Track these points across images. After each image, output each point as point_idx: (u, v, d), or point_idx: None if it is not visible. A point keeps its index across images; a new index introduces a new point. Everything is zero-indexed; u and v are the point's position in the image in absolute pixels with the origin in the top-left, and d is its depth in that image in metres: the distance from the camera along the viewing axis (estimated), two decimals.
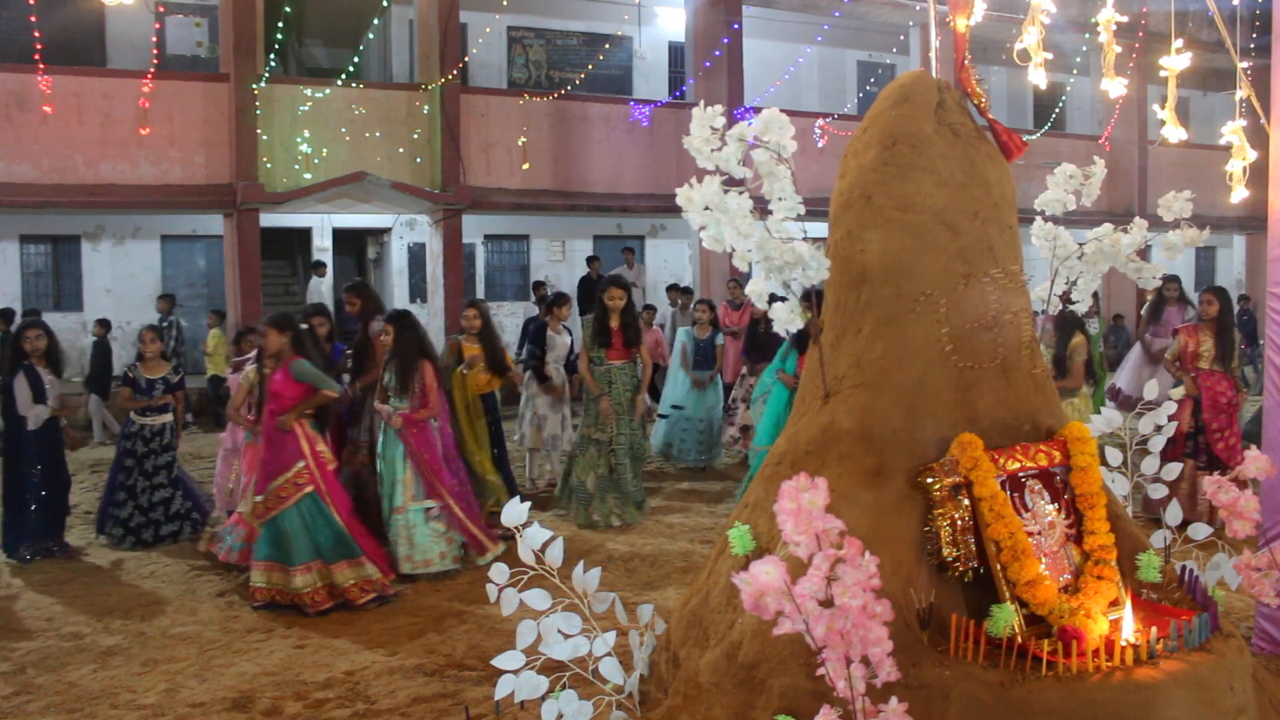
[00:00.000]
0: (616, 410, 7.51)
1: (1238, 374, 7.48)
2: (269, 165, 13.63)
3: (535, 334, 8.93)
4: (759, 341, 9.23)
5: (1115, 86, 5.85)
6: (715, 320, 9.89)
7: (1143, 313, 11.89)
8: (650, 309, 12.75)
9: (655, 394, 12.90)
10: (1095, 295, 4.60)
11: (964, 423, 3.44)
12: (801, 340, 7.61)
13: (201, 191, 13.58)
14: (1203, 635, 3.14)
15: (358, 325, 7.56)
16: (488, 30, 16.52)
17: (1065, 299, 4.09)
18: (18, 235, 15.24)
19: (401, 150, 14.40)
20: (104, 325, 12.66)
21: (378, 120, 14.28)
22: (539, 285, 15.62)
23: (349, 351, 7.34)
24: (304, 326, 6.28)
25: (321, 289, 15.71)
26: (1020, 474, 3.40)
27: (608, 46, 17.14)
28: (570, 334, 8.97)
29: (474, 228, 16.60)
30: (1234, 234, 22.17)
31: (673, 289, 14.03)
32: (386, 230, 17.50)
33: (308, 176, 13.71)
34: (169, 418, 7.23)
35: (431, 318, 14.89)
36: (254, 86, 13.44)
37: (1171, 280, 11.01)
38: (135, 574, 6.58)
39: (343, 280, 17.94)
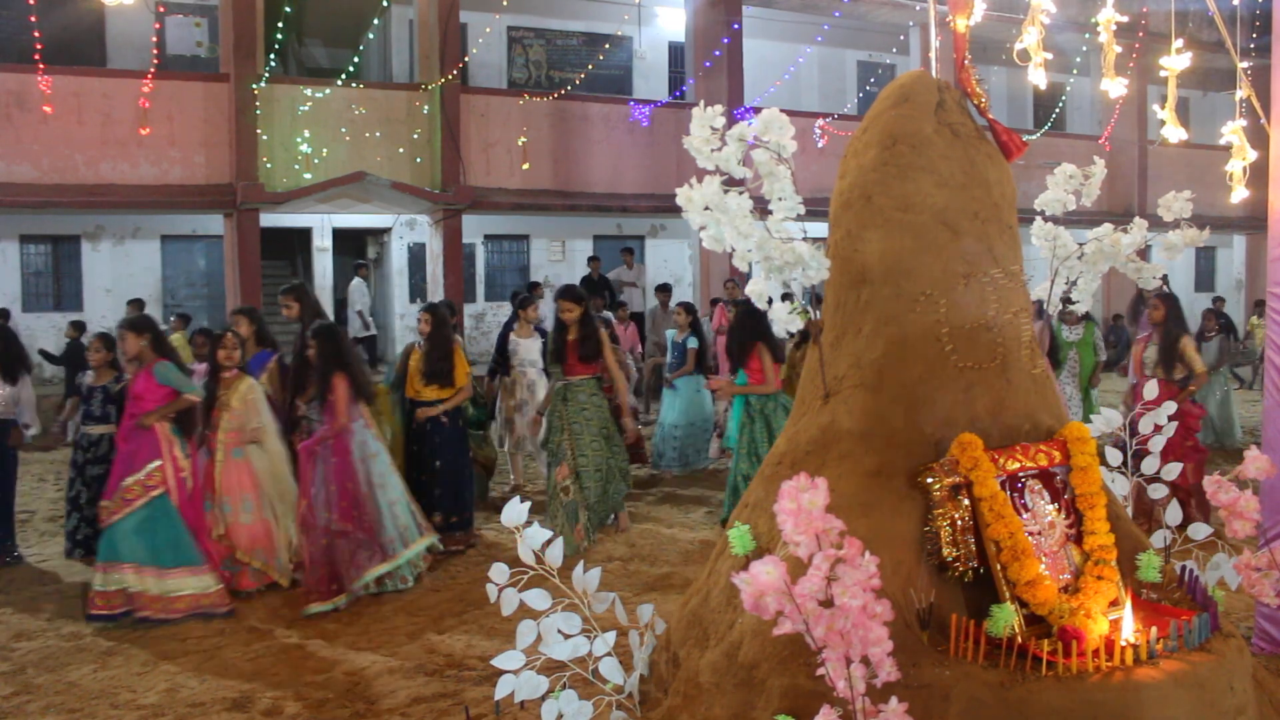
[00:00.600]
0: (574, 429, 6.93)
1: (1219, 374, 7.34)
2: (269, 165, 13.63)
3: (499, 339, 8.66)
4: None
5: (1115, 86, 5.85)
6: (694, 323, 9.62)
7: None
8: (622, 305, 12.54)
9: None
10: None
11: (964, 423, 3.44)
12: (739, 346, 7.23)
13: (201, 191, 13.58)
14: (1203, 635, 3.13)
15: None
16: (488, 30, 16.52)
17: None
18: (18, 235, 15.24)
19: (401, 150, 14.41)
20: (77, 327, 12.55)
21: (378, 120, 14.29)
22: (535, 286, 15.49)
23: (273, 365, 6.90)
24: (163, 328, 6.14)
25: (364, 289, 15.76)
26: (1020, 474, 3.40)
27: (608, 46, 17.15)
28: (543, 336, 8.62)
29: (474, 228, 16.61)
30: (1234, 234, 22.18)
31: (660, 289, 14.04)
32: (386, 230, 17.51)
33: (308, 176, 13.72)
34: (110, 428, 6.61)
35: None
36: (254, 86, 13.44)
37: None
38: None
39: (343, 280, 17.99)
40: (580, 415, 6.99)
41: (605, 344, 7.17)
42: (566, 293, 7.22)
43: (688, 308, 9.76)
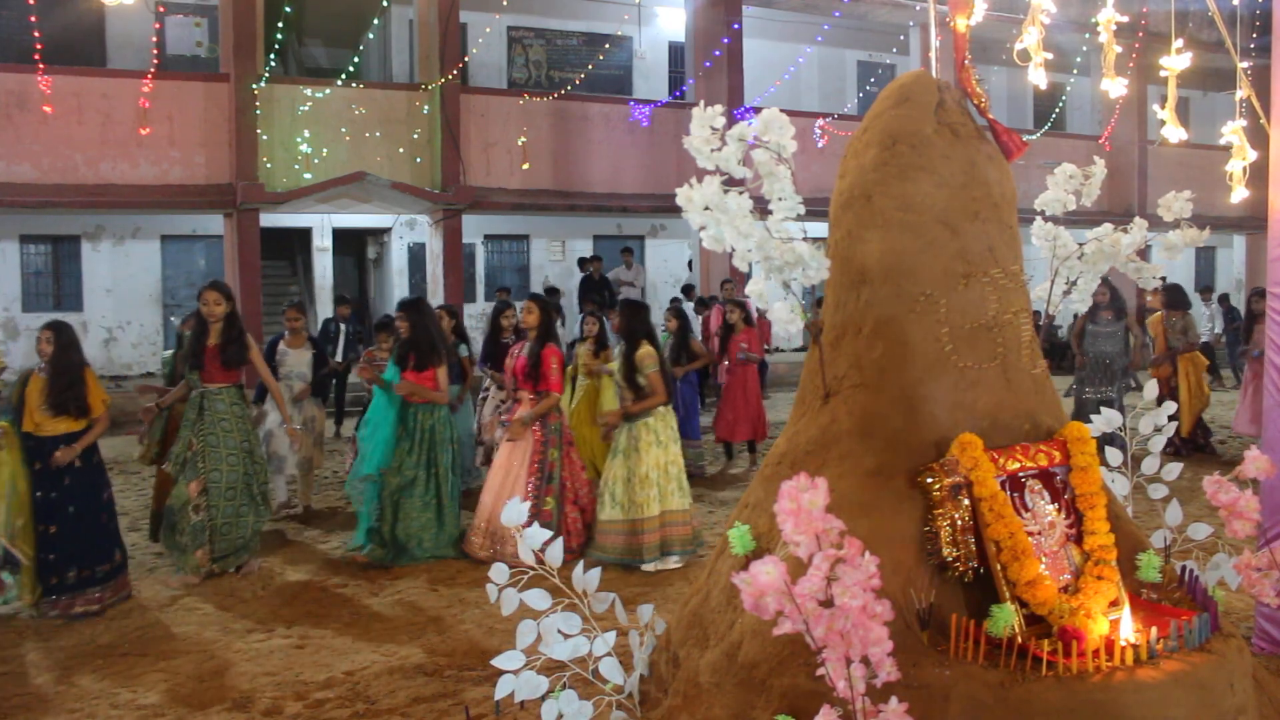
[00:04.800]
0: (210, 442, 6.27)
1: None
2: (269, 165, 13.64)
3: (267, 348, 7.93)
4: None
5: (1115, 86, 5.85)
6: (458, 328, 8.73)
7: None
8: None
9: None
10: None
11: (964, 423, 3.43)
12: (416, 351, 6.68)
13: (201, 191, 13.59)
14: (1203, 635, 3.13)
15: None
16: (488, 30, 16.53)
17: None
18: (18, 235, 15.24)
19: (401, 150, 14.41)
20: None
21: (378, 120, 14.29)
22: (502, 291, 15.04)
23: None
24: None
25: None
26: (1020, 474, 3.40)
27: (608, 46, 17.15)
28: (316, 347, 8.03)
29: (474, 228, 16.61)
30: (1234, 234, 22.18)
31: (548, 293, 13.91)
32: (386, 230, 17.51)
33: (308, 176, 13.72)
34: None
35: None
36: (254, 86, 13.45)
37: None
38: (134, 575, 6.56)
39: (343, 280, 17.98)
40: (219, 427, 6.33)
41: (253, 349, 6.45)
42: (213, 285, 6.46)
43: (451, 312, 8.84)
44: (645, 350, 6.66)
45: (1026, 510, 3.36)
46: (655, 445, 6.56)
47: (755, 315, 11.71)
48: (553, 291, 15.99)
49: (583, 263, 16.35)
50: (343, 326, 11.75)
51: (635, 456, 6.54)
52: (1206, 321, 16.47)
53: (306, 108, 13.83)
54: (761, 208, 3.41)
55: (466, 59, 15.60)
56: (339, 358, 11.52)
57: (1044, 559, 3.29)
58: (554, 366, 6.72)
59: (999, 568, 3.21)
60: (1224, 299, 18.45)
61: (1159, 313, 10.24)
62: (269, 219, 14.37)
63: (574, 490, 6.81)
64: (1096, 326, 9.52)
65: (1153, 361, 10.14)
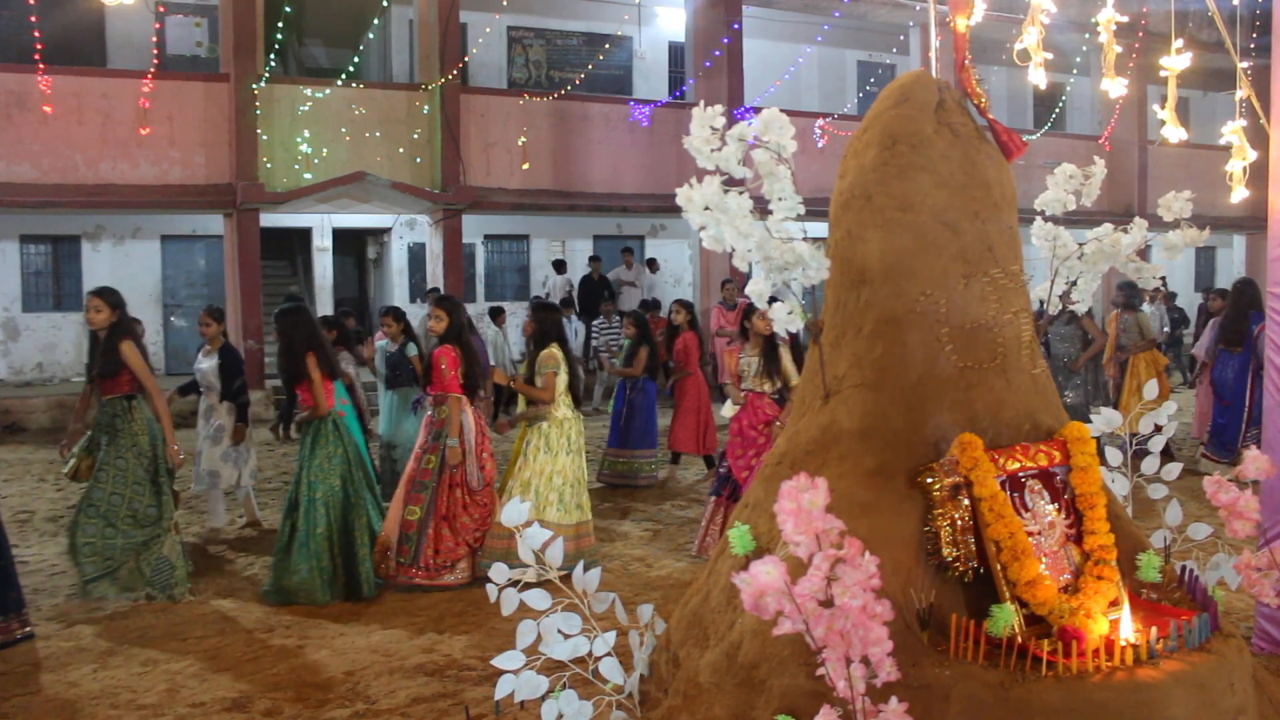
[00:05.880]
0: (98, 457, 5.92)
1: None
2: (269, 165, 13.64)
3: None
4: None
5: (1115, 86, 5.85)
6: (406, 329, 8.47)
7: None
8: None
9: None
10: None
11: (964, 423, 3.43)
12: (284, 368, 6.15)
13: (201, 191, 13.59)
14: (1203, 635, 3.13)
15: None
16: (488, 30, 16.53)
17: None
18: (18, 235, 15.24)
19: (401, 150, 14.41)
20: None
21: (378, 120, 14.30)
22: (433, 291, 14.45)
23: None
24: None
25: (559, 284, 15.90)
26: (1020, 474, 3.40)
27: (608, 46, 17.16)
28: (225, 356, 7.52)
29: (474, 228, 16.62)
30: (1234, 234, 22.19)
31: (495, 311, 13.55)
32: (386, 230, 17.51)
33: (308, 176, 13.73)
34: None
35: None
36: (254, 86, 13.45)
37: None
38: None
39: (343, 280, 17.99)
40: (101, 439, 5.95)
41: (129, 357, 5.87)
42: (98, 292, 6.01)
43: (397, 315, 8.51)
44: (548, 352, 6.46)
45: (1026, 510, 3.36)
46: (544, 452, 6.35)
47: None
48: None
49: (593, 260, 16.40)
50: None
51: (523, 460, 6.39)
52: (1155, 321, 16.40)
53: (306, 108, 13.83)
54: (761, 208, 3.41)
55: (466, 59, 15.60)
56: None
57: (1044, 559, 3.29)
58: (442, 367, 6.22)
59: (999, 568, 3.21)
60: (1170, 297, 18.20)
61: (1115, 311, 10.18)
62: (269, 219, 14.37)
63: (448, 507, 6.14)
64: (1055, 328, 9.52)
65: (1109, 358, 10.11)
